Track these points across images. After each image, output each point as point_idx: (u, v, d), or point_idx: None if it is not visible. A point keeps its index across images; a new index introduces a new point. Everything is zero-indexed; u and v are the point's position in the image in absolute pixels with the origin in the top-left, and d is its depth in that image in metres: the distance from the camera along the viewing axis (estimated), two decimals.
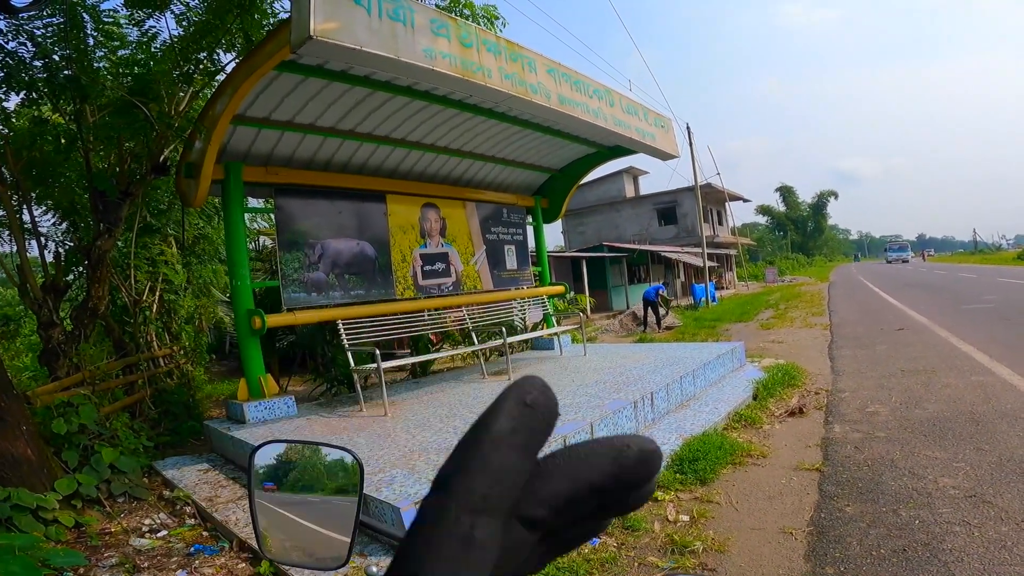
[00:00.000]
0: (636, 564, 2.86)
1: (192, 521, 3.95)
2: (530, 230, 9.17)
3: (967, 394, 5.40)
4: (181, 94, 5.85)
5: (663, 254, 24.86)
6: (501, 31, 8.78)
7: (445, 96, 5.86)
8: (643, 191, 35.17)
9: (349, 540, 0.86)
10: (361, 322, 6.09)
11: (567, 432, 4.06)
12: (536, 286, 8.96)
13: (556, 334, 8.37)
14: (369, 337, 6.05)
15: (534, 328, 9.33)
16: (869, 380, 6.44)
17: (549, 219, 9.41)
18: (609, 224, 33.64)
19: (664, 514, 3.38)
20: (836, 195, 74.39)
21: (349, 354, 5.67)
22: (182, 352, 7.18)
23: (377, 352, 5.28)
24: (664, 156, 7.78)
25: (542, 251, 9.47)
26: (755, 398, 5.89)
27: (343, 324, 5.84)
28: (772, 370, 6.90)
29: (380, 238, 6.77)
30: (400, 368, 7.88)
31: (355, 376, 5.64)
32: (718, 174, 39.82)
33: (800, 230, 73.51)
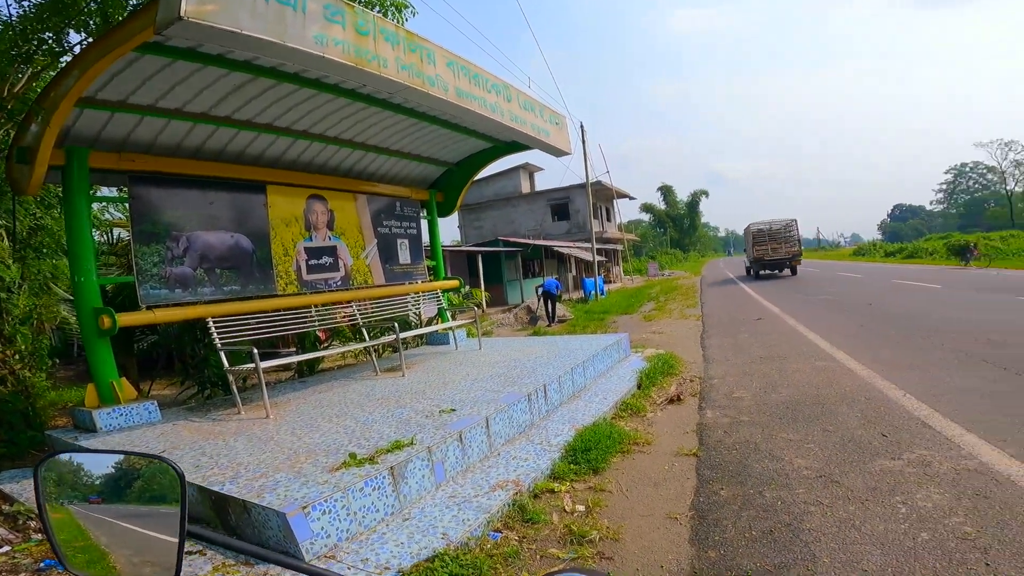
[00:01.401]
0: (538, 556, 2.90)
1: (39, 536, 3.46)
2: (424, 224, 9.02)
3: (813, 378, 6.07)
4: (19, 75, 5.04)
5: (556, 249, 25.65)
6: (408, 21, 8.46)
7: (337, 84, 5.56)
8: (538, 187, 36.33)
9: (176, 552, 0.83)
10: (237, 319, 5.63)
11: (463, 427, 4.04)
12: (430, 280, 8.83)
13: (451, 328, 8.33)
14: (247, 335, 5.61)
15: (428, 323, 9.20)
16: (734, 367, 7.08)
17: (444, 213, 9.31)
18: (505, 219, 34.24)
19: (562, 505, 3.45)
20: (707, 194, 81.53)
21: (223, 354, 5.22)
22: (16, 356, 6.19)
23: (255, 351, 4.90)
24: (558, 152, 8.00)
25: (436, 245, 9.35)
26: (639, 387, 6.23)
27: (215, 322, 5.36)
28: (653, 360, 7.36)
29: (259, 231, 6.28)
30: (285, 367, 7.41)
31: (230, 377, 5.21)
32: (607, 172, 41.95)
33: (678, 227, 79.37)
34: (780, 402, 5.33)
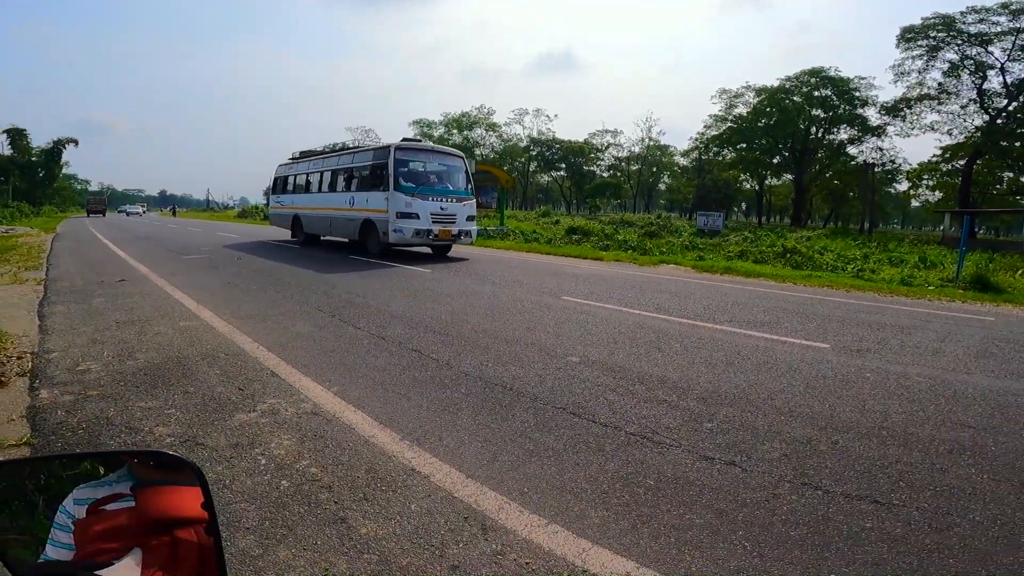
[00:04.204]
0: None
1: None
2: None
3: (175, 340, 5.86)
4: None
5: None
6: None
7: None
8: None
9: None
10: None
11: None
12: None
13: None
14: None
15: None
16: (82, 336, 6.02)
17: None
18: None
19: None
20: (76, 142, 67.40)
21: None
22: None
23: None
24: None
25: None
26: None
27: None
28: None
29: None
30: None
31: None
32: None
33: (27, 177, 62.43)
34: (137, 369, 4.89)
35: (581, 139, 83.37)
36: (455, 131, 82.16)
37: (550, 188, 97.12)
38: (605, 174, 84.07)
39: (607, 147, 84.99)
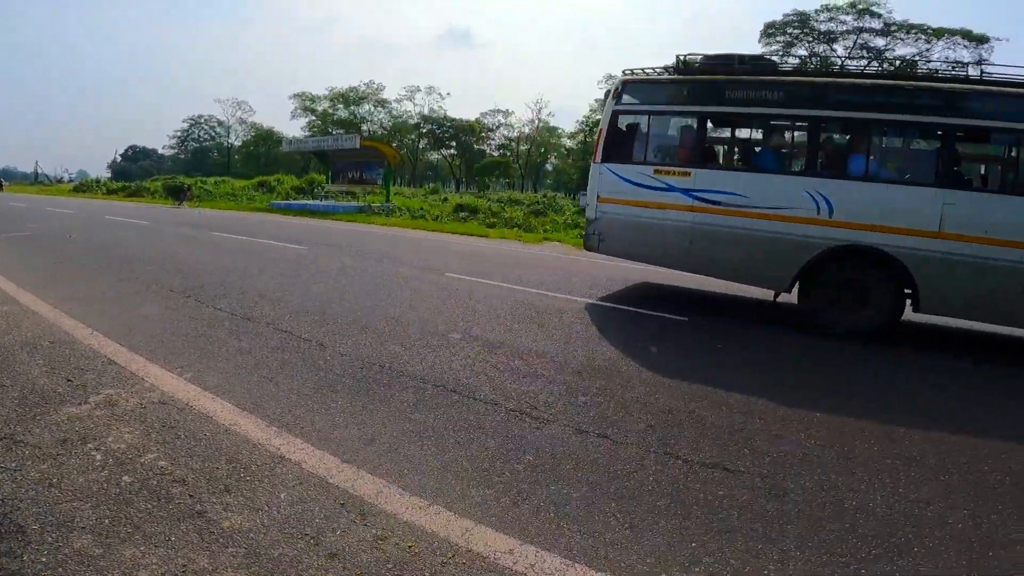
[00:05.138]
0: None
1: None
2: None
3: None
4: None
5: None
6: None
7: None
8: None
9: None
10: None
11: None
12: None
13: None
14: None
15: None
16: None
17: None
18: None
19: None
20: None
21: None
22: None
23: None
24: None
25: None
26: None
27: None
28: None
29: None
30: None
31: None
32: None
33: None
34: None
35: (474, 118, 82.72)
36: (340, 106, 78.21)
37: (439, 166, 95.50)
38: (495, 153, 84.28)
39: (498, 127, 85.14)
